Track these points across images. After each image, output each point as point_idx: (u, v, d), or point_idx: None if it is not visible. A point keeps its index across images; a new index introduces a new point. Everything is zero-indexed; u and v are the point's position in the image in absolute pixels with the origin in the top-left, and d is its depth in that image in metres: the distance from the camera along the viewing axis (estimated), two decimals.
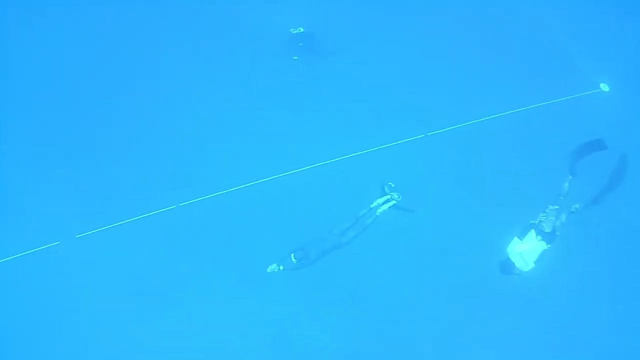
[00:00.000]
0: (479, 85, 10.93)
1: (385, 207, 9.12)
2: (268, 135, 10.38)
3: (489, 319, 8.92)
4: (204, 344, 8.81)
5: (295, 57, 11.10)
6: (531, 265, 8.25)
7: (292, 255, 8.43)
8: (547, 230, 8.34)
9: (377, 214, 9.06)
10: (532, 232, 8.35)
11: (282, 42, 11.17)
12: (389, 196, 9.17)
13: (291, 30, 11.13)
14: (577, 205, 8.72)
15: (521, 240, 8.33)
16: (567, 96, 10.61)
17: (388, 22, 11.63)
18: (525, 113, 10.39)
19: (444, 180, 9.99)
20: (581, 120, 10.51)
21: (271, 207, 9.63)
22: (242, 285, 9.07)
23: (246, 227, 9.51)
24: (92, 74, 10.94)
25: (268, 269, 8.54)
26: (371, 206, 9.10)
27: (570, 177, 8.98)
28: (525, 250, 8.24)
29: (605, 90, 10.83)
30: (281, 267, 8.52)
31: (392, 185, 9.29)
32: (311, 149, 10.11)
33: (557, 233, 8.43)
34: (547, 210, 8.58)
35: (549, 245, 8.34)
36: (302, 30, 11.10)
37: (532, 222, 8.50)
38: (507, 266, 8.34)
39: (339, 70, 11.16)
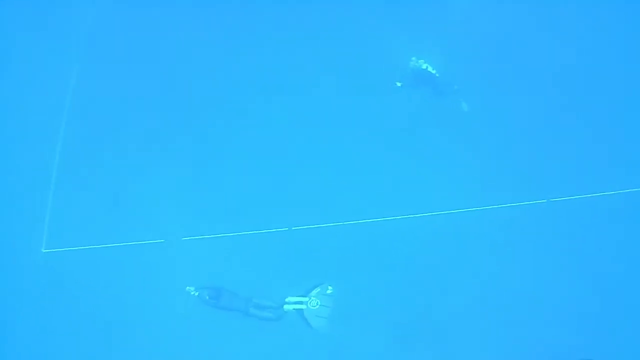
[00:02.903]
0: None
1: (291, 307, 8.79)
2: (385, 174, 10.17)
3: None
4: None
5: (399, 84, 10.69)
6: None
7: (207, 292, 8.73)
8: None
9: (285, 310, 8.79)
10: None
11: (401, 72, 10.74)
12: (305, 299, 8.79)
13: (414, 61, 10.56)
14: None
15: None
16: None
17: (518, 78, 10.93)
18: None
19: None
20: None
21: (387, 247, 9.47)
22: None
23: (352, 261, 9.36)
24: (224, 92, 11.04)
25: (186, 288, 8.84)
26: (285, 300, 8.85)
27: None
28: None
29: None
30: (196, 294, 8.80)
31: (329, 291, 8.85)
32: (421, 193, 9.93)
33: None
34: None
35: None
36: (422, 64, 10.55)
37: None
38: None
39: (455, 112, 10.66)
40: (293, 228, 9.47)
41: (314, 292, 8.84)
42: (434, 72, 10.47)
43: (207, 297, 8.73)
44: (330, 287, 8.86)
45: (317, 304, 8.76)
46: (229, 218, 9.70)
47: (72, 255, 9.73)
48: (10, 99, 11.00)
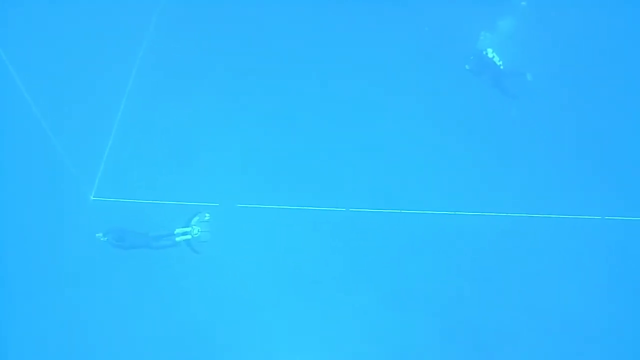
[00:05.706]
0: None
1: (180, 238, 9.15)
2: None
3: None
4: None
5: (467, 67, 10.80)
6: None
7: (111, 235, 8.87)
8: None
9: (176, 241, 9.17)
10: None
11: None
12: (189, 229, 9.12)
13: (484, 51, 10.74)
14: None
15: None
16: None
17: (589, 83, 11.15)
18: None
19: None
20: None
21: (440, 240, 9.49)
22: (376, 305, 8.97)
23: (399, 250, 9.38)
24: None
25: (97, 234, 8.85)
26: (174, 232, 9.16)
27: None
28: None
29: None
30: (105, 239, 8.87)
31: (207, 218, 9.16)
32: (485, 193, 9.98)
33: None
34: None
35: None
36: (490, 52, 10.67)
37: None
38: None
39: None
40: (350, 209, 9.58)
41: (194, 220, 9.16)
42: (499, 63, 10.62)
43: (113, 240, 8.83)
44: (207, 214, 9.16)
45: (198, 232, 9.08)
46: (287, 191, 9.80)
47: (119, 206, 9.73)
48: (84, 47, 11.25)
